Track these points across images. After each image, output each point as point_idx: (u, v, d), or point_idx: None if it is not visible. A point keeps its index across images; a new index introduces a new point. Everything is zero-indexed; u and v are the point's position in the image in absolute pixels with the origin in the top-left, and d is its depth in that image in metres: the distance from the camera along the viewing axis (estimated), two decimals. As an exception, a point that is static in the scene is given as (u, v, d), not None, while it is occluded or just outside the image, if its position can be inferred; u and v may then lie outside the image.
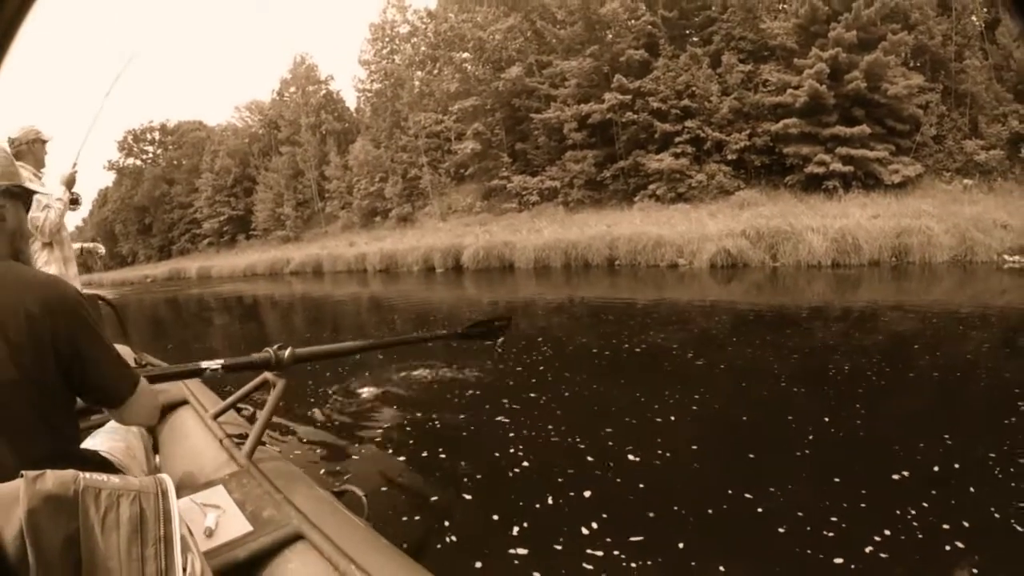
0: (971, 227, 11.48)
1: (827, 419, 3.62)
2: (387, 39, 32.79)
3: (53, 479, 0.91)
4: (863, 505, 2.53)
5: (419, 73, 30.72)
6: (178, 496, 1.59)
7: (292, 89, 38.35)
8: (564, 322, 8.75)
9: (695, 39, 21.86)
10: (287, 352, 2.27)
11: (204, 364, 2.12)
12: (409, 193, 28.18)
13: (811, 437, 3.36)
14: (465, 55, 27.28)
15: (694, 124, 19.56)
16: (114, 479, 0.99)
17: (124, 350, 3.42)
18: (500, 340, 3.63)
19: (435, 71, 30.14)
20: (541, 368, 5.34)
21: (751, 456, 3.15)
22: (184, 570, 0.96)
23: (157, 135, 48.02)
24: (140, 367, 2.73)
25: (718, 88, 19.87)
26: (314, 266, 24.73)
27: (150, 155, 48.08)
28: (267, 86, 67.65)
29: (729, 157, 19.05)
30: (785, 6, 20.02)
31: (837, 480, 2.79)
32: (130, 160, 47.79)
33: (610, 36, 22.54)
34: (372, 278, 20.12)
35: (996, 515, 2.40)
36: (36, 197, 2.85)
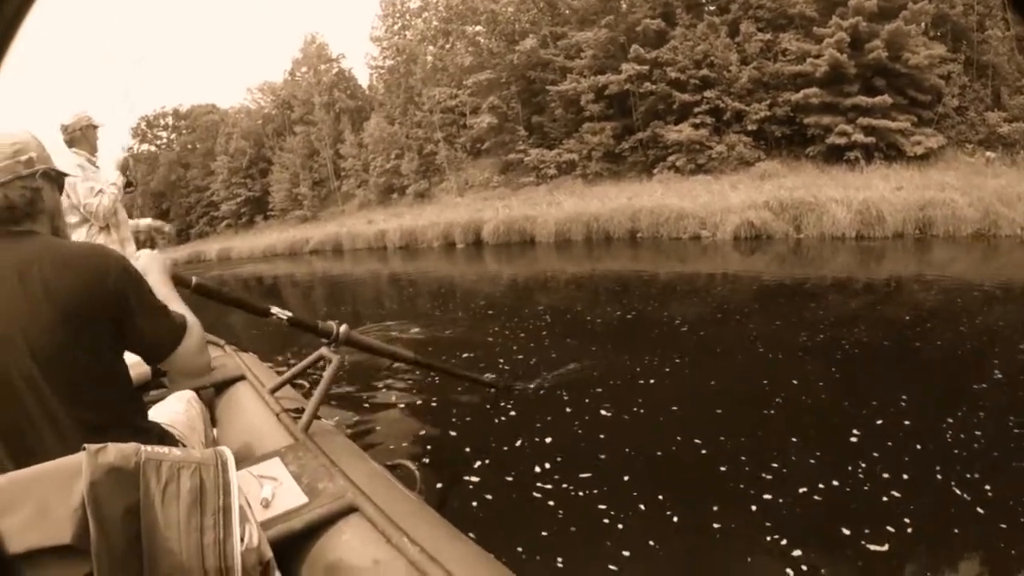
0: (995, 200, 11.31)
1: (845, 393, 3.71)
2: (398, 14, 32.60)
3: (115, 452, 0.93)
4: (874, 478, 2.64)
5: (431, 48, 30.55)
6: (236, 468, 1.73)
7: (304, 69, 38.10)
8: (586, 296, 8.84)
9: (712, 7, 21.58)
10: (343, 329, 2.36)
11: (274, 309, 2.17)
12: (425, 169, 28.13)
13: (826, 410, 3.45)
14: (478, 28, 27.13)
15: (713, 94, 19.36)
16: (175, 451, 1.01)
17: None
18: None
19: (448, 45, 29.96)
20: (583, 343, 5.42)
21: (762, 424, 3.31)
22: (242, 540, 0.97)
23: (170, 120, 47.95)
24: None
25: (737, 57, 19.63)
26: (334, 244, 24.75)
27: (164, 140, 48.07)
28: (279, 67, 67.52)
29: (749, 127, 18.87)
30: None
31: (850, 453, 2.87)
32: (144, 146, 47.88)
33: (625, 6, 22.35)
34: (392, 255, 20.20)
35: (1011, 492, 2.43)
36: (90, 184, 3.03)
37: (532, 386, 4.21)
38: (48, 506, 0.88)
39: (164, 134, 48.35)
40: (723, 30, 20.12)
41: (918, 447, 2.85)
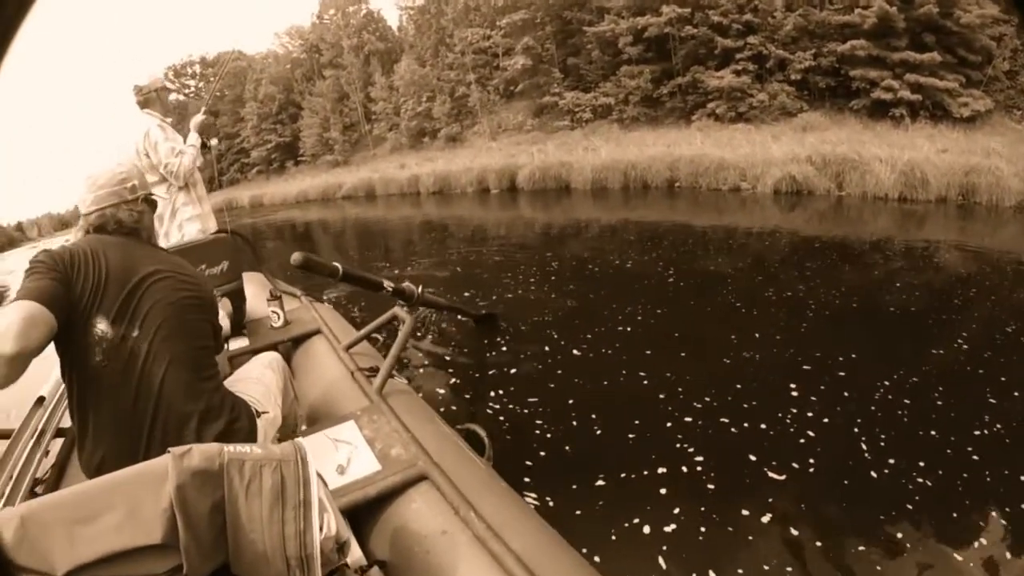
0: (1042, 172, 10.81)
1: (873, 360, 3.70)
2: (430, -48, 31.70)
3: (199, 454, 1.00)
4: (799, 422, 2.92)
5: (463, -13, 29.74)
6: (312, 428, 1.92)
7: (332, 11, 37.53)
8: (619, 246, 8.89)
9: (758, -51, 20.66)
10: (420, 291, 2.47)
11: (386, 283, 2.33)
12: (457, 112, 27.78)
13: (852, 377, 3.47)
14: (513, -34, 26.27)
15: (756, 40, 18.68)
16: (257, 450, 1.07)
17: (258, 277, 3.65)
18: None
19: (481, -15, 29.14)
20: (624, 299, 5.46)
21: (785, 385, 3.43)
22: (320, 529, 1.03)
23: (198, 68, 47.53)
24: (274, 298, 2.96)
25: (782, 4, 18.83)
26: (366, 190, 24.71)
27: (192, 89, 47.63)
28: (306, 10, 66.44)
29: (792, 77, 18.24)
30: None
31: (785, 402, 3.13)
32: (172, 96, 47.40)
33: (668, -56, 21.45)
34: (425, 200, 20.20)
35: (915, 461, 2.54)
36: (171, 144, 3.20)
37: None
38: (138, 508, 0.95)
39: (192, 83, 47.93)
40: (769, -27, 19.30)
41: (846, 396, 3.17)
